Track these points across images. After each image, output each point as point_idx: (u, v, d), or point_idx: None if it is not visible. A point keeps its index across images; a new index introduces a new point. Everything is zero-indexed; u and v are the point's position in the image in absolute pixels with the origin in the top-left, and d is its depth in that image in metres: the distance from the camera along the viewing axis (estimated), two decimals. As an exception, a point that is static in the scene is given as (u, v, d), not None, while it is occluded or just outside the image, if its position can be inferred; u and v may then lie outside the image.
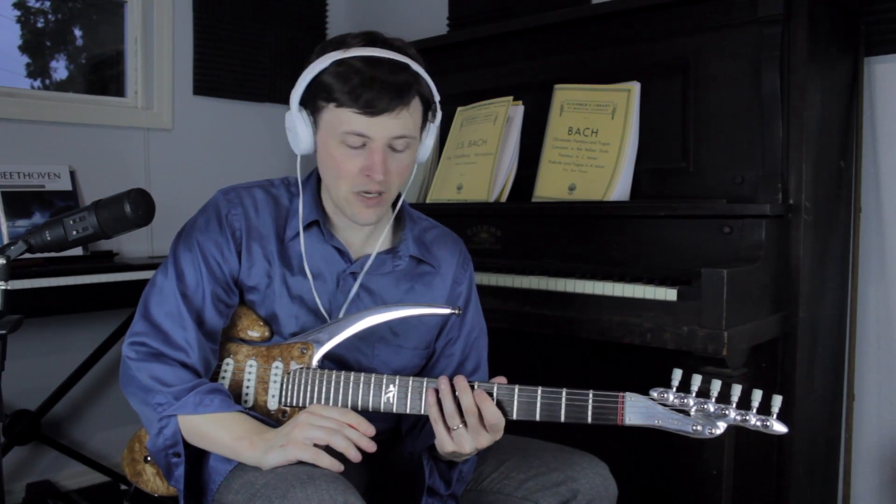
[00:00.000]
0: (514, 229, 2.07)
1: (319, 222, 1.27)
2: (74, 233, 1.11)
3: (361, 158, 1.17)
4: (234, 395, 1.23)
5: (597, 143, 2.02)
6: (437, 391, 1.14)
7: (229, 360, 1.26)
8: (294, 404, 1.20)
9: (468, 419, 1.12)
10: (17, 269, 1.38)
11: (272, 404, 1.22)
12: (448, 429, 1.12)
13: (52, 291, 2.05)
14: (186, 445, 1.16)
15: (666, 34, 1.98)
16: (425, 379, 1.16)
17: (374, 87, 1.12)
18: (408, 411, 1.16)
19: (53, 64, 2.78)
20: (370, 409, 1.17)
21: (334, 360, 1.26)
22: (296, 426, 1.11)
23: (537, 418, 1.11)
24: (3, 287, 1.05)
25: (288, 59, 3.06)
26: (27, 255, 1.11)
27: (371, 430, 1.12)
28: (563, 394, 1.10)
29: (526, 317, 1.84)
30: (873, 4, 1.99)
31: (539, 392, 1.11)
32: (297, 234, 1.26)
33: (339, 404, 1.17)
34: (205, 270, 1.22)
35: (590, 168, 2.01)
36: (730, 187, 1.84)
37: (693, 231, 1.78)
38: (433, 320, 1.32)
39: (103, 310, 2.45)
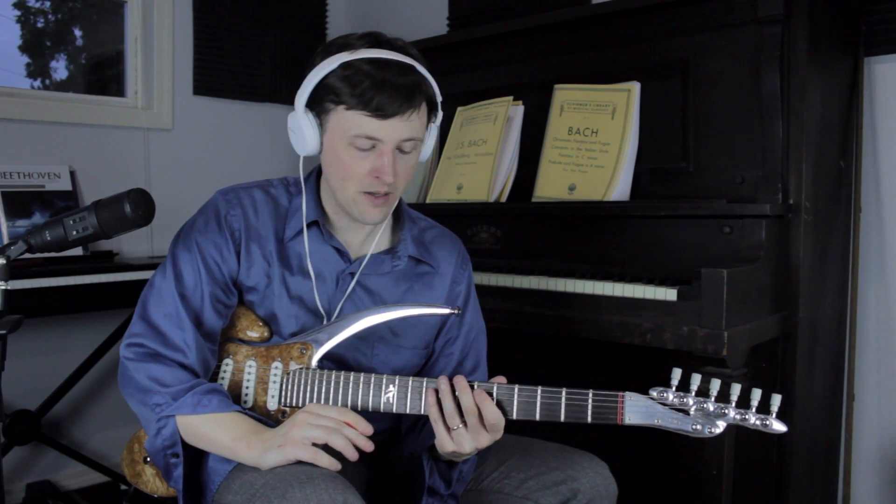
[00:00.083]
0: (514, 229, 2.07)
1: (319, 222, 1.27)
2: (74, 233, 1.11)
3: (370, 160, 1.17)
4: (234, 395, 1.23)
5: (597, 143, 2.02)
6: (436, 391, 1.14)
7: (229, 361, 1.26)
8: (294, 404, 1.20)
9: (468, 419, 1.12)
10: (17, 269, 1.38)
11: (272, 404, 1.22)
12: (448, 429, 1.12)
13: (52, 291, 2.05)
14: (185, 446, 1.17)
15: (666, 34, 1.98)
16: (425, 379, 1.16)
17: (384, 91, 1.12)
18: (407, 411, 1.16)
19: (53, 64, 2.78)
20: (370, 409, 1.17)
21: (334, 360, 1.26)
22: (294, 426, 1.11)
23: (537, 418, 1.11)
24: (3, 287, 1.05)
25: (288, 59, 3.06)
26: (27, 255, 1.11)
27: (369, 429, 1.12)
28: (563, 393, 1.10)
29: (526, 317, 1.84)
30: (873, 4, 1.99)
31: (539, 392, 1.11)
32: (297, 234, 1.26)
33: (339, 404, 1.17)
34: (203, 271, 1.22)
35: (590, 168, 2.01)
36: (730, 187, 1.84)
37: (693, 231, 1.78)
38: (432, 320, 1.32)
39: (103, 310, 2.45)
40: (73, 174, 2.46)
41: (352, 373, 1.19)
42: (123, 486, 2.58)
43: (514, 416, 1.12)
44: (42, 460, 2.56)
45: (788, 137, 1.77)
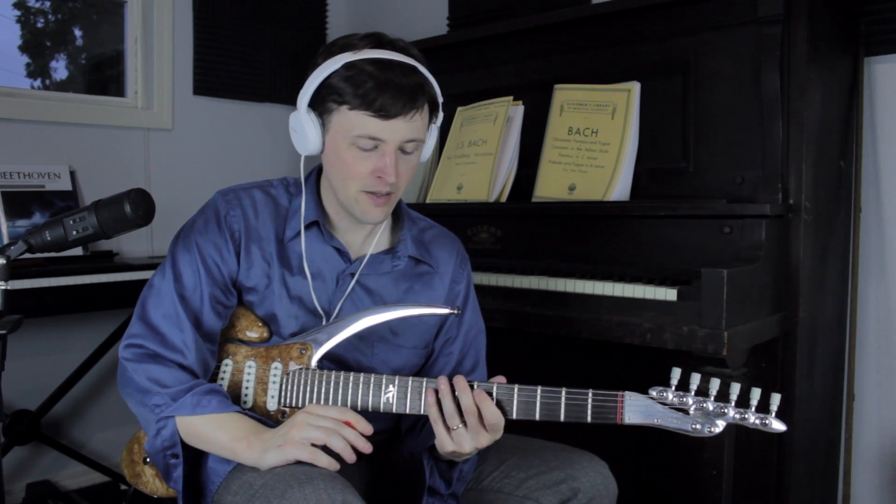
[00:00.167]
0: (514, 229, 2.07)
1: (319, 223, 1.27)
2: (74, 233, 1.11)
3: (373, 160, 1.17)
4: (234, 396, 1.23)
5: (597, 143, 2.02)
6: (436, 391, 1.14)
7: (228, 361, 1.26)
8: (293, 405, 1.20)
9: (468, 419, 1.12)
10: (17, 269, 1.38)
11: (271, 405, 1.21)
12: (448, 429, 1.12)
13: (52, 291, 2.05)
14: (185, 446, 1.16)
15: (666, 34, 1.98)
16: (425, 379, 1.16)
17: (387, 91, 1.12)
18: (407, 411, 1.16)
19: (53, 64, 2.78)
20: (370, 410, 1.17)
21: (334, 360, 1.26)
22: (293, 426, 1.11)
23: (537, 418, 1.11)
24: (3, 287, 1.05)
25: (288, 59, 3.07)
26: (27, 255, 1.11)
27: (369, 429, 1.12)
28: (563, 393, 1.10)
29: (526, 317, 1.84)
30: (873, 4, 1.99)
31: (538, 391, 1.11)
32: (297, 234, 1.26)
33: (339, 405, 1.17)
34: (203, 272, 1.22)
35: (590, 168, 2.01)
36: (730, 187, 1.84)
37: (693, 231, 1.78)
38: (432, 319, 1.33)
39: (103, 310, 2.45)
40: (73, 174, 2.46)
41: (351, 373, 1.19)
42: (123, 486, 2.58)
43: (514, 416, 1.12)
44: (42, 460, 2.56)
45: (788, 137, 1.77)
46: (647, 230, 1.84)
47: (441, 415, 1.13)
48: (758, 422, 1.03)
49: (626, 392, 1.08)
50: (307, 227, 1.27)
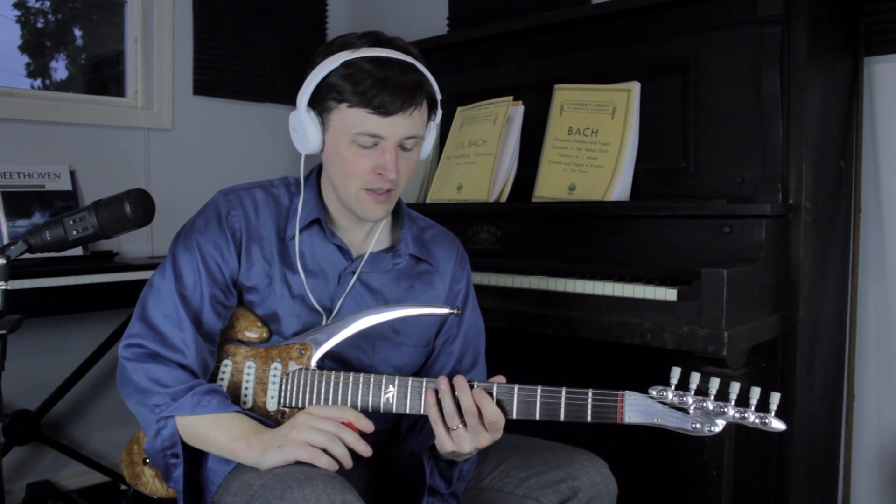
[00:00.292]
0: (514, 229, 2.07)
1: (321, 221, 1.27)
2: (74, 233, 1.11)
3: (373, 158, 1.18)
4: (233, 396, 1.23)
5: (597, 143, 2.02)
6: (436, 391, 1.14)
7: (228, 362, 1.26)
8: (293, 405, 1.20)
9: (468, 419, 1.12)
10: (17, 269, 1.38)
11: (271, 405, 1.21)
12: (448, 429, 1.13)
13: (52, 291, 2.05)
14: (185, 446, 1.16)
15: (666, 34, 1.98)
16: (424, 379, 1.16)
17: (386, 89, 1.13)
18: (407, 411, 1.16)
19: (53, 64, 2.78)
20: (370, 410, 1.17)
21: (335, 358, 1.26)
22: (294, 427, 1.11)
23: (537, 417, 1.11)
24: (3, 287, 1.05)
25: (288, 59, 3.07)
26: (27, 255, 1.11)
27: (370, 426, 1.12)
28: (563, 393, 1.10)
29: (526, 317, 1.84)
30: (873, 4, 1.99)
31: (538, 391, 1.11)
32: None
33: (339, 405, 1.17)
34: (203, 272, 1.22)
35: (590, 168, 2.01)
36: (730, 187, 1.84)
37: (693, 231, 1.78)
38: (432, 318, 1.33)
39: (103, 310, 2.45)
40: (73, 174, 2.46)
41: (351, 373, 1.19)
42: (123, 487, 2.58)
43: (514, 416, 1.12)
44: (42, 460, 2.56)
45: (788, 137, 1.77)
46: (647, 230, 1.84)
47: (441, 415, 1.13)
48: (757, 421, 1.03)
49: (626, 392, 1.08)
50: (309, 225, 1.27)
